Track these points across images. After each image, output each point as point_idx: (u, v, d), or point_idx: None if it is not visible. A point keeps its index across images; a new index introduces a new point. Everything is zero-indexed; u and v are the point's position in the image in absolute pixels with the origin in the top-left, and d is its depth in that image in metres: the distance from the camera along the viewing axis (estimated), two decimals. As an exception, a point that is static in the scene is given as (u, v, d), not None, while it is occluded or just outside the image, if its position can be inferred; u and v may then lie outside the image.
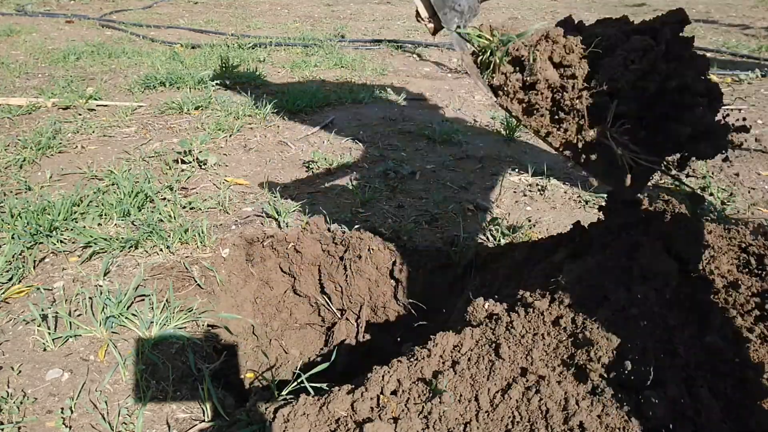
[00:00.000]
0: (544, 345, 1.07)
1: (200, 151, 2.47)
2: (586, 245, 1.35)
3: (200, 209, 2.08)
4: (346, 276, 1.96)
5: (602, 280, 1.13)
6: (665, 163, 1.14)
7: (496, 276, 1.58)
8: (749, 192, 2.27)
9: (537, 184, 2.33)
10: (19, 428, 1.16)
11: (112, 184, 2.23)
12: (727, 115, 1.11)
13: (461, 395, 1.05)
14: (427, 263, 1.90)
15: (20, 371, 1.31)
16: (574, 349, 1.05)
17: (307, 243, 1.96)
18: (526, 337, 1.09)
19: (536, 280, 1.29)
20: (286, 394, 1.25)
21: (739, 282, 1.19)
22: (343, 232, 2.02)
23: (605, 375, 1.01)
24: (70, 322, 1.45)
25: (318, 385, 1.27)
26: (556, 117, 1.13)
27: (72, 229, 1.86)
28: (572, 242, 1.41)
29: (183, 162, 2.48)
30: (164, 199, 2.15)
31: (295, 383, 1.28)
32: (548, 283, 1.20)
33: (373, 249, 1.92)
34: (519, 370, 1.05)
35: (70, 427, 1.17)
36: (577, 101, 1.09)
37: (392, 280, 1.96)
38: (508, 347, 1.08)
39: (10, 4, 7.17)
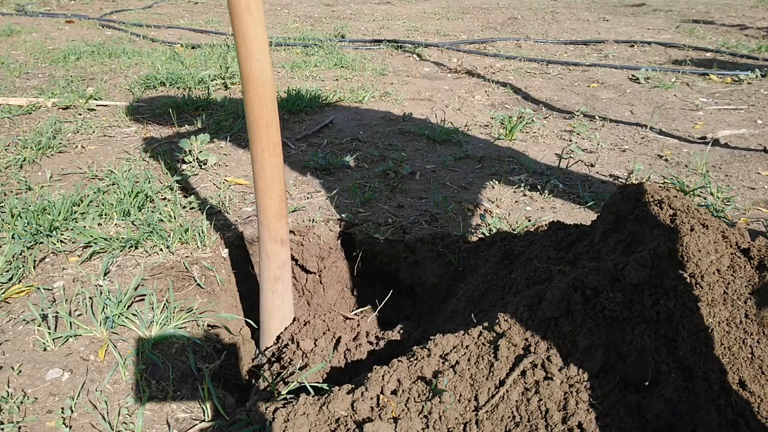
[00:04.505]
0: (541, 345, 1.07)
1: (200, 151, 2.47)
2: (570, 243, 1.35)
3: (200, 209, 2.08)
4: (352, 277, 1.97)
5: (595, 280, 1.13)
6: None
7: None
8: (749, 192, 2.27)
9: (537, 184, 2.33)
10: (20, 428, 1.16)
11: (112, 184, 2.23)
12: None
13: (461, 395, 1.05)
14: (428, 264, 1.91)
15: (20, 371, 1.31)
16: (573, 349, 1.05)
17: (308, 243, 1.96)
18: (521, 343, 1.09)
19: (523, 282, 1.30)
20: (286, 394, 1.25)
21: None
22: (343, 232, 2.03)
23: (604, 375, 1.02)
24: (70, 322, 1.45)
25: (318, 384, 1.27)
26: None
27: (72, 229, 1.86)
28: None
29: (183, 162, 2.48)
30: (164, 199, 2.15)
31: (295, 383, 1.29)
32: (538, 283, 1.20)
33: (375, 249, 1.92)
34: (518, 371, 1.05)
35: (71, 427, 1.17)
36: None
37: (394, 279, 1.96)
38: (507, 349, 1.08)
39: (10, 4, 7.17)
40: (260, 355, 1.54)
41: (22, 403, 1.22)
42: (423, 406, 1.04)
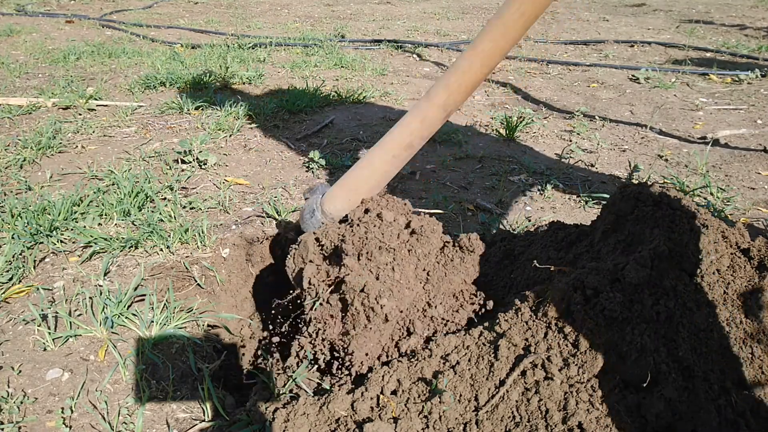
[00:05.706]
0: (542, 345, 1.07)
1: (200, 151, 2.47)
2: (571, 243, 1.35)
3: (200, 209, 2.08)
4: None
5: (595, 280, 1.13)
6: None
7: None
8: (749, 192, 2.27)
9: (537, 184, 2.33)
10: (20, 428, 1.16)
11: (112, 184, 2.23)
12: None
13: (461, 395, 1.05)
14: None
15: (20, 371, 1.31)
16: (573, 349, 1.05)
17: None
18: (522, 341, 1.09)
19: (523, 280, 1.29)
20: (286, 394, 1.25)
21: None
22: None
23: (604, 375, 1.02)
24: (70, 322, 1.45)
25: (318, 383, 1.27)
26: None
27: (72, 229, 1.87)
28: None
29: (183, 162, 2.48)
30: (164, 198, 2.15)
31: (292, 382, 1.28)
32: (538, 283, 1.20)
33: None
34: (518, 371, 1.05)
35: (71, 427, 1.17)
36: None
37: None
38: (507, 349, 1.08)
39: (10, 4, 7.18)
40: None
41: (22, 403, 1.22)
42: (423, 407, 1.04)
